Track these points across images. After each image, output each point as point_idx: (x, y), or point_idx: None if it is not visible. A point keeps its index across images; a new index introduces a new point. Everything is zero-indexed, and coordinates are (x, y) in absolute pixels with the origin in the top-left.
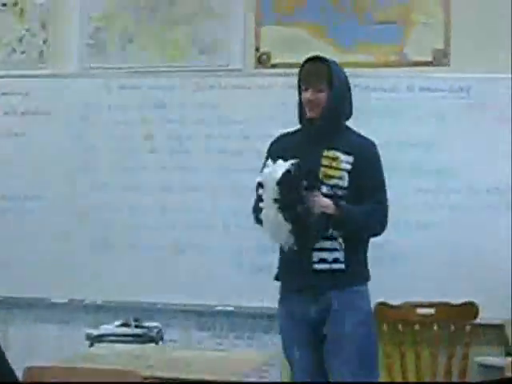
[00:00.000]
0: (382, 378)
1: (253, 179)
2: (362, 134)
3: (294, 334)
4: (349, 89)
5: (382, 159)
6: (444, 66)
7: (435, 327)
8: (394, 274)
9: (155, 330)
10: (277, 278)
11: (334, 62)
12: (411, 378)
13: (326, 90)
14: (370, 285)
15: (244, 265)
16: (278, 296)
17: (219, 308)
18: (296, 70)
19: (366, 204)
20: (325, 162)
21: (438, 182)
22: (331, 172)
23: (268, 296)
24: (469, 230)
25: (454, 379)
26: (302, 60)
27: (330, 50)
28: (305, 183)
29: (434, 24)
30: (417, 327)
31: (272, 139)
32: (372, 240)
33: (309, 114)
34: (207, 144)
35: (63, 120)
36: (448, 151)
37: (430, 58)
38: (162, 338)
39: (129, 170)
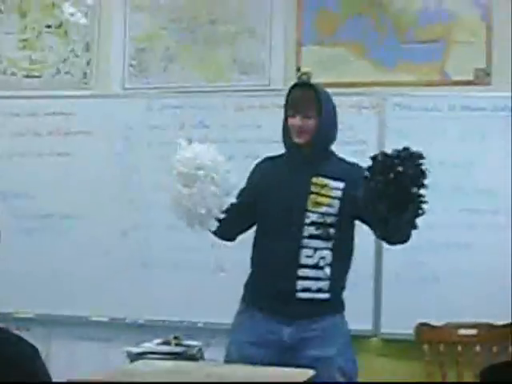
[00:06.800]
0: None
1: None
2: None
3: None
4: (335, 114)
5: None
6: (486, 85)
7: (477, 348)
8: (435, 294)
9: (196, 349)
10: (243, 299)
11: (323, 88)
12: None
13: (313, 117)
14: (412, 305)
15: None
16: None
17: None
18: (337, 90)
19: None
20: (314, 189)
21: (480, 201)
22: (321, 199)
23: None
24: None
25: None
26: (342, 79)
27: (370, 69)
28: None
29: (476, 43)
30: (459, 348)
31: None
32: (414, 260)
33: (297, 140)
34: (249, 164)
35: (106, 140)
36: (490, 170)
37: (471, 77)
38: (202, 357)
39: (169, 190)
